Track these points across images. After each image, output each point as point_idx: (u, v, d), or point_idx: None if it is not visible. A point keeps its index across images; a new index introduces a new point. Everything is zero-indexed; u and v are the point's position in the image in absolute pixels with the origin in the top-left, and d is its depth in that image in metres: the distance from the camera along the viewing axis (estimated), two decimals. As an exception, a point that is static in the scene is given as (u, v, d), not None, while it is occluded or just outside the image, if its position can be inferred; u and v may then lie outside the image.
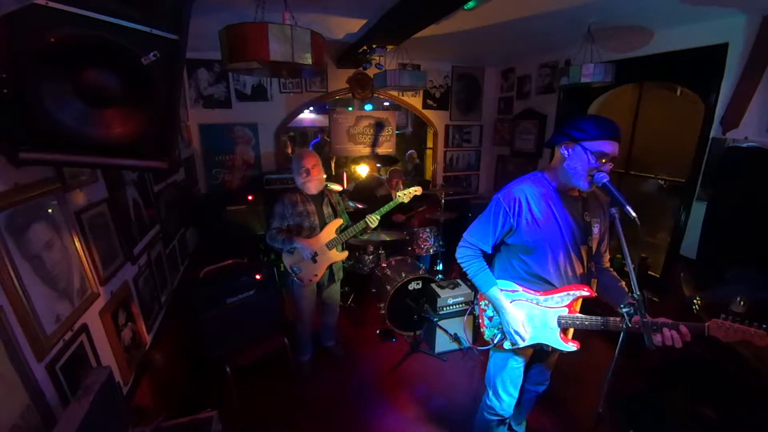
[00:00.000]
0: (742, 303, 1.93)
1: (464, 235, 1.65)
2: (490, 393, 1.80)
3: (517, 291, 1.58)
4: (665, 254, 3.04)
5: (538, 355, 1.79)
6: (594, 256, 1.58)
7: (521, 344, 1.57)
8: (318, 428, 2.35)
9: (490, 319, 1.69)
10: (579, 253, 1.52)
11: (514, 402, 1.78)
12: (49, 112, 0.92)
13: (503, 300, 1.56)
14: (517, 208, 1.46)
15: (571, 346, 1.56)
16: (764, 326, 1.25)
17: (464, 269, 1.63)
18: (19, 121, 0.92)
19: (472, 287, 3.00)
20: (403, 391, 2.64)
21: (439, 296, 2.90)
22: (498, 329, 1.66)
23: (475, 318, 1.79)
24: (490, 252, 1.61)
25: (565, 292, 1.52)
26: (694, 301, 2.16)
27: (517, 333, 1.54)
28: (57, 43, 0.88)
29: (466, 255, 1.62)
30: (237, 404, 2.43)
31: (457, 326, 2.97)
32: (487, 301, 1.69)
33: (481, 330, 1.74)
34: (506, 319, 1.56)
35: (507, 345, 1.64)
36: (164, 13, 1.00)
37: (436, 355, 2.98)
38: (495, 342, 1.67)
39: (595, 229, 1.52)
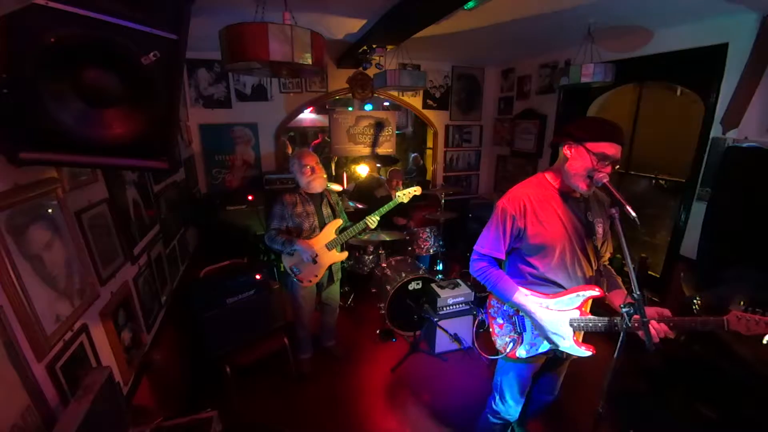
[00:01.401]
0: (742, 303, 1.93)
1: (475, 248, 1.60)
2: (497, 397, 1.78)
3: (527, 296, 1.54)
4: (665, 254, 3.04)
5: (551, 363, 1.74)
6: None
7: (563, 345, 1.51)
8: (318, 428, 2.35)
9: (501, 326, 1.65)
10: (586, 253, 1.52)
11: (520, 407, 1.76)
12: (49, 112, 0.92)
13: (531, 304, 1.50)
14: (522, 210, 1.46)
15: (586, 351, 1.52)
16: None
17: (482, 282, 1.58)
18: (19, 121, 0.92)
19: (473, 287, 3.00)
20: (403, 391, 2.64)
21: (439, 296, 2.90)
22: (510, 337, 1.62)
23: (485, 327, 1.75)
24: (503, 257, 1.58)
25: (575, 294, 1.50)
26: (694, 301, 2.16)
27: (556, 334, 1.49)
28: (57, 43, 0.88)
29: (480, 268, 1.58)
30: (237, 404, 2.43)
31: (458, 327, 2.97)
32: (496, 308, 1.66)
33: (493, 339, 1.69)
34: (541, 323, 1.49)
35: (520, 353, 1.60)
36: (164, 13, 1.00)
37: (436, 355, 2.98)
38: (507, 351, 1.62)
39: (599, 228, 1.52)
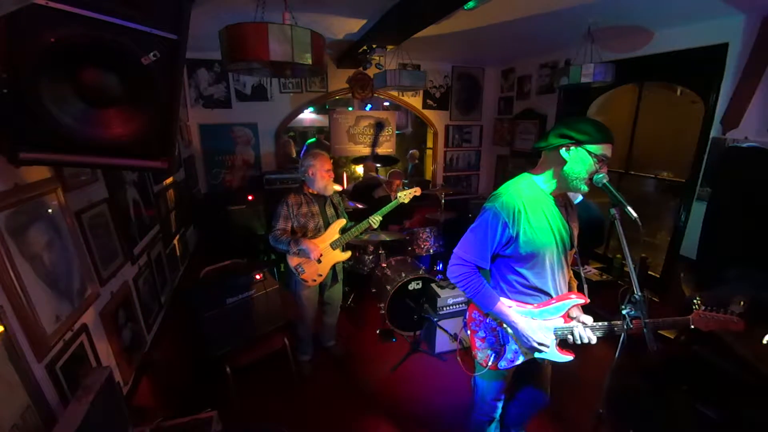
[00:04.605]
0: (741, 303, 1.93)
1: (456, 252, 1.50)
2: (478, 397, 1.79)
3: (510, 307, 1.51)
4: (665, 254, 3.04)
5: (531, 371, 1.73)
6: None
7: (546, 353, 1.50)
8: (318, 428, 2.35)
9: (483, 340, 1.62)
10: (567, 259, 1.52)
11: (501, 403, 1.78)
12: (49, 112, 0.92)
13: (512, 314, 1.47)
14: (515, 217, 1.38)
15: (567, 357, 1.53)
16: (737, 313, 1.38)
17: (462, 289, 1.49)
18: (19, 121, 0.92)
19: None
20: (403, 391, 2.64)
21: (439, 296, 2.90)
22: (491, 350, 1.61)
23: (464, 343, 1.73)
24: (487, 268, 1.51)
25: (561, 302, 1.49)
26: (694, 301, 2.16)
27: (540, 343, 1.45)
28: (57, 43, 0.88)
29: (461, 274, 1.47)
30: (237, 404, 2.43)
31: (458, 327, 2.96)
32: (478, 321, 1.62)
33: (474, 353, 1.66)
34: (523, 333, 1.46)
35: (502, 365, 1.59)
36: (164, 13, 1.00)
37: (436, 355, 2.98)
38: (489, 363, 1.60)
39: (575, 233, 1.52)
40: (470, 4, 1.96)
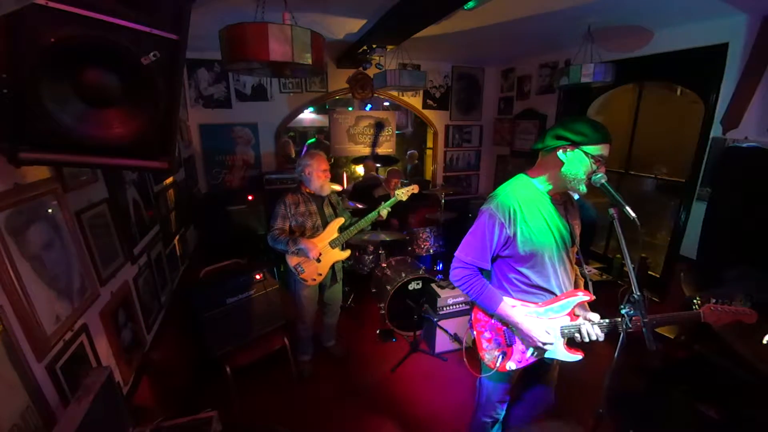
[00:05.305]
0: (741, 303, 1.93)
1: (457, 255, 1.52)
2: (483, 399, 1.78)
3: (515, 306, 1.50)
4: (665, 254, 3.04)
5: (538, 370, 1.72)
6: None
7: (554, 352, 1.51)
8: (318, 428, 2.35)
9: (489, 341, 1.61)
10: (570, 257, 1.51)
11: (506, 405, 1.78)
12: (49, 112, 0.92)
13: (516, 314, 1.46)
14: (512, 217, 1.40)
15: (576, 356, 1.52)
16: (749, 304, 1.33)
17: (465, 292, 1.51)
18: (19, 121, 0.92)
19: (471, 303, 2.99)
20: (403, 391, 2.64)
21: (439, 296, 2.90)
22: (499, 351, 1.60)
23: (469, 348, 1.73)
24: (489, 269, 1.53)
25: (566, 300, 1.48)
26: (694, 301, 2.16)
27: (544, 343, 1.46)
28: (57, 43, 0.88)
29: (463, 276, 1.49)
30: (237, 404, 2.43)
31: (458, 327, 2.96)
32: (483, 322, 1.62)
33: (480, 354, 1.64)
34: (528, 333, 1.46)
35: (510, 366, 1.58)
36: (164, 13, 1.00)
37: (436, 355, 2.98)
38: (497, 365, 1.59)
39: (576, 231, 1.52)
40: (470, 4, 1.96)
